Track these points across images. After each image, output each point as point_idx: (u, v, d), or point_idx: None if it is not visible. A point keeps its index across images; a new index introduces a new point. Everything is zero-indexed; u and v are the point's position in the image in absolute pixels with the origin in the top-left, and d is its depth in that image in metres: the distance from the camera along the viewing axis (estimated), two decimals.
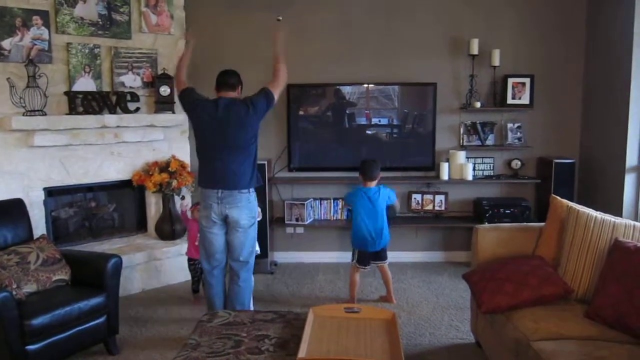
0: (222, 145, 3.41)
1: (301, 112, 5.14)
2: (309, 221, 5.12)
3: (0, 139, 3.99)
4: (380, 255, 4.14)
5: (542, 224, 3.26)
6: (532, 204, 5.13)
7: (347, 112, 5.18)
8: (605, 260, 2.78)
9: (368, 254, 4.12)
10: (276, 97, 3.52)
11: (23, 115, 3.99)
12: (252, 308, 3.88)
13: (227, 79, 3.51)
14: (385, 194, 4.09)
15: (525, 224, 3.60)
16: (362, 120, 5.18)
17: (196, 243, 4.13)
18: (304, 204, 5.06)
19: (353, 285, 4.19)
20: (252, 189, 3.50)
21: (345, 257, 5.06)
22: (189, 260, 4.27)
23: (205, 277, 3.67)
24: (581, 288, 2.85)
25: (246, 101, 3.45)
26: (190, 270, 4.28)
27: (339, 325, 2.62)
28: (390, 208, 4.20)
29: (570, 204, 3.09)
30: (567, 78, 5.13)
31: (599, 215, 2.93)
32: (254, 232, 3.58)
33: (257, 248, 3.92)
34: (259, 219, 3.70)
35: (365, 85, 5.11)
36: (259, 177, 3.56)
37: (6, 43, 3.97)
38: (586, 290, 2.83)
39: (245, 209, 3.46)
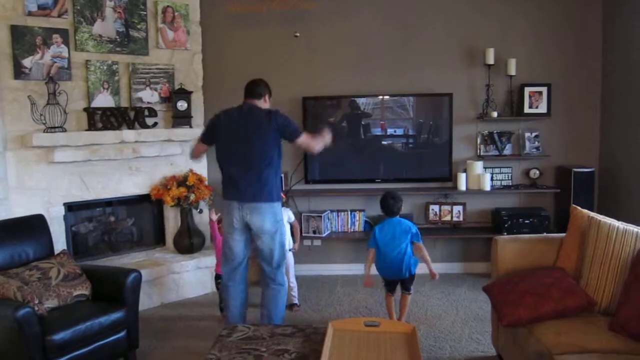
0: (243, 151, 3.43)
1: (317, 124, 5.14)
2: (326, 233, 5.11)
3: (22, 156, 4.07)
4: (405, 285, 3.91)
5: (563, 234, 3.21)
6: (552, 214, 5.07)
7: (362, 123, 5.18)
8: (629, 271, 2.73)
9: (393, 282, 3.93)
10: (300, 140, 3.50)
11: (44, 132, 4.06)
12: (282, 314, 3.69)
13: (254, 87, 3.58)
14: (406, 226, 3.80)
15: (545, 234, 3.57)
16: (377, 131, 5.18)
17: None
18: (321, 216, 5.05)
19: (388, 310, 4.02)
20: (275, 202, 3.52)
21: (363, 269, 5.04)
22: (217, 277, 4.20)
23: (224, 281, 3.68)
24: (604, 300, 2.80)
25: (271, 112, 3.49)
26: (218, 288, 4.21)
27: (359, 339, 2.61)
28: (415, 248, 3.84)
29: (592, 214, 3.04)
30: (584, 85, 5.09)
31: (621, 225, 2.89)
32: (280, 236, 3.59)
33: (290, 246, 4.15)
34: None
35: (380, 97, 5.11)
36: (279, 193, 3.58)
37: (27, 61, 4.05)
38: (609, 302, 2.78)
39: (268, 215, 3.47)
